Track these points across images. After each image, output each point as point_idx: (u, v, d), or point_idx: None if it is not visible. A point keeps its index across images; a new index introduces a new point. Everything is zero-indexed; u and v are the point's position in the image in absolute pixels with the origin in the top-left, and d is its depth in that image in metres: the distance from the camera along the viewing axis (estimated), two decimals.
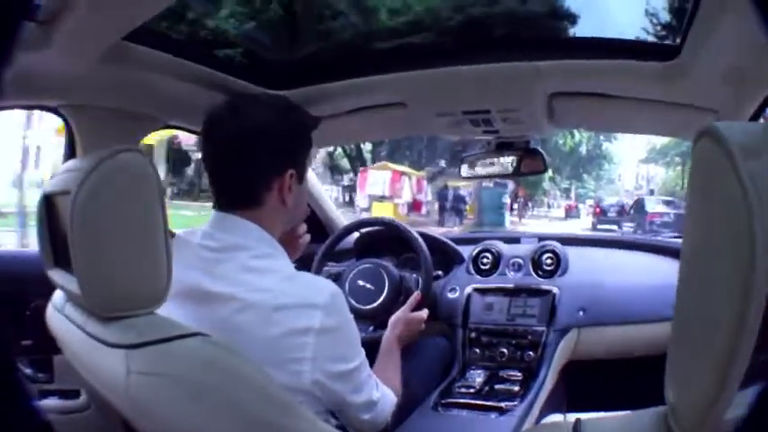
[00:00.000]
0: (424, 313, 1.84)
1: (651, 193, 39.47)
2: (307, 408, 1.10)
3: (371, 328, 1.92)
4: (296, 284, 1.15)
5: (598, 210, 26.13)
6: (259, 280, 1.14)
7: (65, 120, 1.58)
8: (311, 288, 1.16)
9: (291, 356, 1.11)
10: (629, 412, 0.64)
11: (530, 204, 33.88)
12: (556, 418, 2.17)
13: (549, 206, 39.68)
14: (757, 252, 0.45)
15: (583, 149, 33.41)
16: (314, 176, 2.54)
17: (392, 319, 1.76)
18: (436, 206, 20.63)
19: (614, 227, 20.33)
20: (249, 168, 1.19)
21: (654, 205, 20.13)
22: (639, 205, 20.88)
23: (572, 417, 0.67)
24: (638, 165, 46.38)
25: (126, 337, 0.92)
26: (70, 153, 1.62)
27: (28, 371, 1.61)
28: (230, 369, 0.95)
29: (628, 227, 19.66)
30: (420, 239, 2.02)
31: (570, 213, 33.10)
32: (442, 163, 24.58)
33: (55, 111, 1.55)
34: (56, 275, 1.07)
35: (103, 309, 0.95)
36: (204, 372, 0.92)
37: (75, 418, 1.59)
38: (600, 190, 43.59)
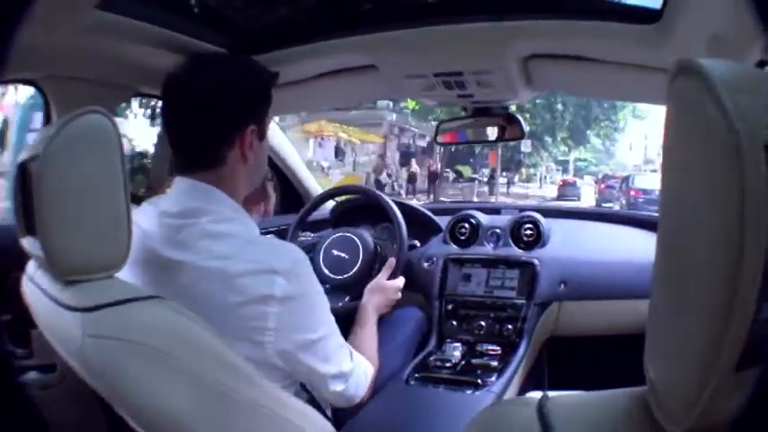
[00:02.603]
0: (400, 281, 1.95)
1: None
2: (272, 380, 1.15)
3: (347, 298, 2.01)
4: (256, 249, 1.19)
5: (603, 186, 24.62)
6: (218, 246, 1.18)
7: (42, 93, 1.66)
8: (271, 253, 1.19)
9: (253, 326, 1.15)
10: (602, 391, 0.64)
11: (504, 177, 29.87)
12: (536, 395, 2.31)
13: (541, 180, 35.18)
14: (749, 197, 0.43)
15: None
16: (290, 145, 2.63)
17: (368, 287, 1.85)
18: None
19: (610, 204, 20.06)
20: (209, 125, 1.25)
21: (642, 181, 19.99)
22: (628, 181, 20.97)
23: (551, 394, 0.64)
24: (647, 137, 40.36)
25: (82, 300, 0.98)
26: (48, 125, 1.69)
27: (8, 347, 1.59)
28: (185, 334, 1.01)
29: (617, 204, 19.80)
30: (395, 208, 2.10)
31: (566, 192, 26.66)
32: None
33: (33, 84, 1.64)
34: (27, 243, 1.12)
35: (64, 272, 1.02)
36: (158, 336, 0.97)
37: (53, 392, 1.64)
38: (602, 164, 39.45)
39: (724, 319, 0.44)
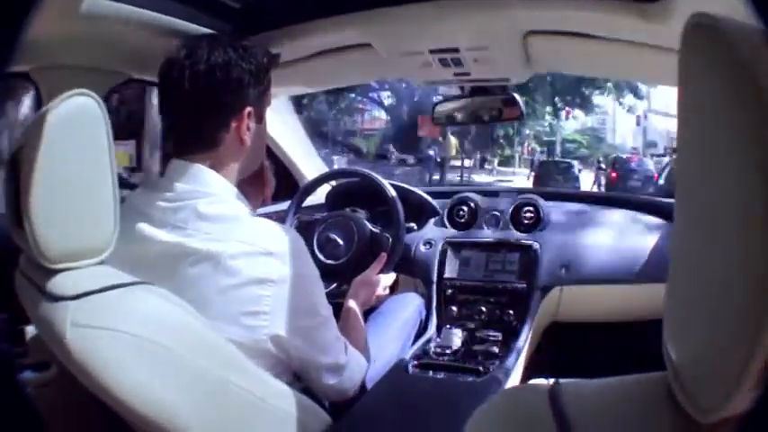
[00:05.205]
0: (391, 277, 2.00)
1: (669, 152, 26.92)
2: (265, 367, 1.22)
3: (335, 284, 2.09)
4: (251, 231, 1.25)
5: (614, 175, 19.81)
6: (212, 227, 1.23)
7: (35, 84, 1.71)
8: (267, 235, 1.25)
9: (247, 310, 1.21)
10: (617, 378, 0.63)
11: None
12: (540, 382, 2.39)
13: (519, 161, 29.70)
14: None
15: None
16: (284, 128, 2.68)
17: (355, 280, 1.90)
18: None
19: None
20: (206, 108, 1.31)
21: None
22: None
23: (562, 381, 0.64)
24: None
25: (69, 289, 1.03)
26: None
27: (3, 345, 1.67)
28: (173, 322, 1.06)
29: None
30: (392, 191, 2.17)
31: (548, 179, 20.15)
32: None
33: (26, 76, 1.68)
34: (17, 235, 1.15)
35: (51, 260, 1.05)
36: (144, 325, 1.03)
37: (49, 390, 1.68)
38: (593, 147, 35.48)
39: (760, 299, 0.42)
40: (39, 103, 1.76)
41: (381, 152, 26.12)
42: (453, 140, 23.92)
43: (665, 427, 0.54)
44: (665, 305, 0.54)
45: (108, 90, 1.80)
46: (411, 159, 24.88)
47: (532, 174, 23.30)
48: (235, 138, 1.35)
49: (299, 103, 20.22)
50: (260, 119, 1.41)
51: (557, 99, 27.73)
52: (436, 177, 22.17)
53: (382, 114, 28.58)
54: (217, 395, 1.12)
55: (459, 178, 23.72)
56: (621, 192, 16.80)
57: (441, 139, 24.61)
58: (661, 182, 14.83)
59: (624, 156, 23.89)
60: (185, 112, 1.35)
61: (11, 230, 1.20)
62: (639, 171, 19.79)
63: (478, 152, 29.22)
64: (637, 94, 27.78)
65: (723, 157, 0.47)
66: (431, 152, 24.41)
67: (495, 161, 29.66)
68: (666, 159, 20.69)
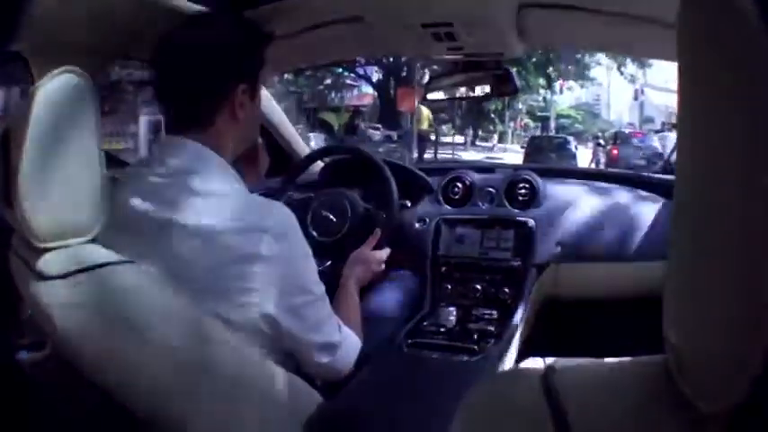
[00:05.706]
0: (385, 252, 2.00)
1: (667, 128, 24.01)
2: (257, 346, 1.22)
3: (329, 261, 2.08)
4: (243, 207, 1.25)
5: (615, 152, 18.30)
6: (205, 204, 1.24)
7: (26, 64, 1.67)
8: (259, 211, 1.26)
9: (237, 287, 1.21)
10: (614, 360, 0.61)
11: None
12: (536, 361, 2.32)
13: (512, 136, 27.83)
14: None
15: None
16: (277, 107, 2.69)
17: (350, 257, 1.91)
18: None
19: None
20: (199, 84, 1.32)
21: None
22: None
23: (550, 361, 0.62)
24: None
25: (56, 267, 1.05)
26: None
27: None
28: (157, 300, 1.07)
29: None
30: (386, 168, 2.17)
31: (540, 154, 18.23)
32: None
33: (18, 55, 1.65)
34: (9, 215, 1.16)
35: (39, 238, 1.06)
36: (129, 302, 1.04)
37: (45, 370, 1.65)
38: (588, 123, 34.98)
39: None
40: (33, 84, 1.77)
41: (353, 128, 24.65)
42: (425, 111, 20.25)
43: (663, 413, 0.51)
44: (665, 286, 0.51)
45: (100, 68, 1.79)
46: (395, 135, 23.27)
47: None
48: (229, 114, 1.36)
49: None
50: (253, 96, 1.42)
51: (550, 69, 26.17)
52: (415, 156, 18.50)
53: (369, 90, 27.54)
54: (203, 374, 1.12)
55: (436, 156, 19.97)
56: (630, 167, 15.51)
57: None
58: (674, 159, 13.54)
59: (626, 131, 22.16)
60: (179, 89, 1.36)
61: (3, 210, 1.20)
62: (643, 148, 18.46)
63: (470, 128, 28.25)
64: (640, 62, 25.19)
65: (725, 115, 0.44)
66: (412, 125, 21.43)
67: (495, 137, 28.90)
68: (669, 135, 19.23)
